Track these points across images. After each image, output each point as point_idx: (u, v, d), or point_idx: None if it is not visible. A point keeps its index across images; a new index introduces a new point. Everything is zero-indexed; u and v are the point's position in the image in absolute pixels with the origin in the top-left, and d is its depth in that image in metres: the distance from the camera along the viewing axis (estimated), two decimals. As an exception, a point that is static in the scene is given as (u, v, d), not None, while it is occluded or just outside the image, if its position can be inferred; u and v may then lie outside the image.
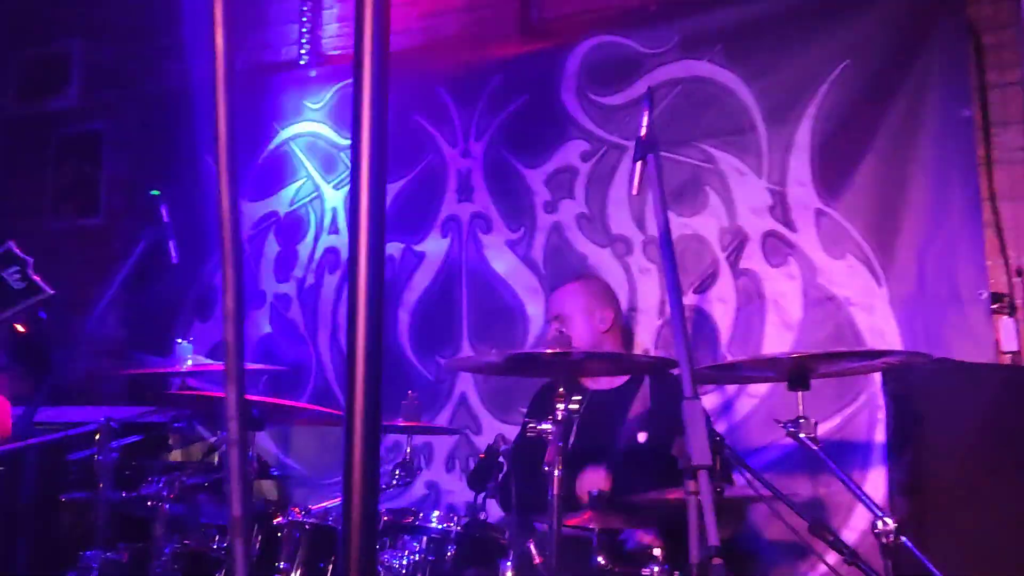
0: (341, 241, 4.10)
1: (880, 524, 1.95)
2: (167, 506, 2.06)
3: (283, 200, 4.26)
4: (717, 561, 1.46)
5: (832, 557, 3.02)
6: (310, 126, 4.25)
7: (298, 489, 3.83)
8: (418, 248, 3.92)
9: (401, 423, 2.39)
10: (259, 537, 2.13)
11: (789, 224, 3.35)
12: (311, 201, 4.21)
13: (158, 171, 4.41)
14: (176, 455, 3.90)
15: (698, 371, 1.83)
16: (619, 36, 3.69)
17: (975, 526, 2.58)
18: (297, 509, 2.03)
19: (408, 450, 2.33)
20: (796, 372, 2.12)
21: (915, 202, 3.17)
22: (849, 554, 1.92)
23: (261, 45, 4.44)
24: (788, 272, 3.33)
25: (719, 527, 1.55)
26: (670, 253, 1.87)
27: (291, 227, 4.22)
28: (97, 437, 2.41)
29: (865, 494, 2.15)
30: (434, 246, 3.90)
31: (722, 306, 3.39)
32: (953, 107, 3.15)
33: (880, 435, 3.08)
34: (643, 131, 2.05)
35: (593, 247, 3.63)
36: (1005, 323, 3.03)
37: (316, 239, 4.16)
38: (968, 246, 3.07)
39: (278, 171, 4.28)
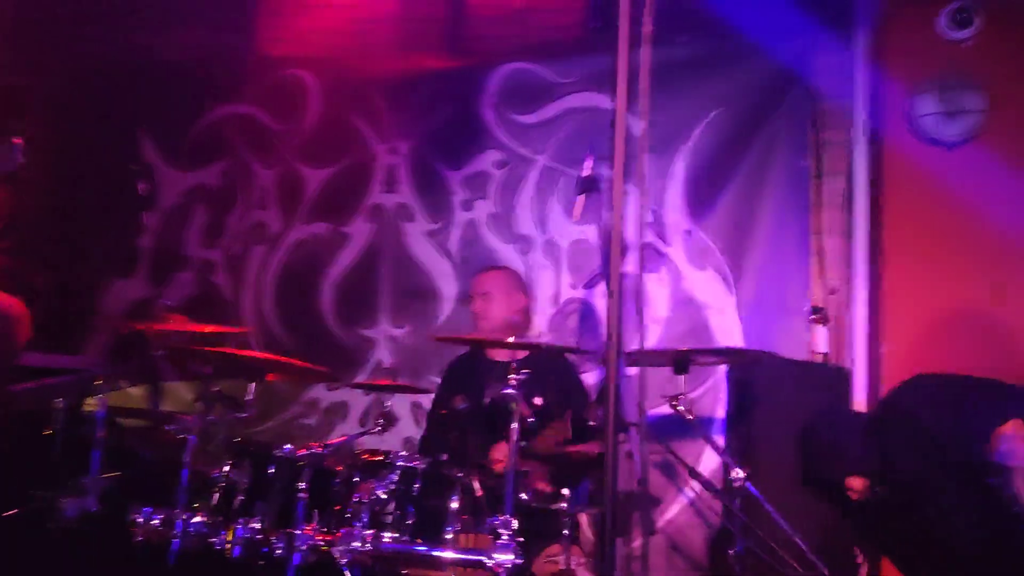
0: (268, 216, 4.51)
1: (735, 472, 2.72)
2: (192, 437, 2.53)
3: (214, 173, 4.60)
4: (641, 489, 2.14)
5: (678, 506, 3.86)
6: (245, 108, 4.60)
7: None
8: (344, 229, 4.41)
9: (381, 383, 2.94)
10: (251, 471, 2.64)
11: (663, 238, 4.11)
12: (241, 177, 4.57)
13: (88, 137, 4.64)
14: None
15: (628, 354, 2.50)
16: (535, 64, 4.31)
17: (785, 481, 3.41)
18: (316, 444, 2.56)
19: (388, 404, 2.87)
20: (682, 360, 2.85)
21: (761, 230, 4.00)
22: (714, 490, 2.66)
23: (211, 22, 4.65)
24: (659, 278, 4.09)
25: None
26: (611, 258, 2.52)
27: (221, 199, 4.57)
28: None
29: (725, 452, 2.92)
30: (360, 229, 4.40)
31: (605, 301, 4.11)
32: (795, 158, 4.00)
33: (720, 411, 3.89)
34: (587, 172, 2.70)
35: (500, 243, 4.26)
36: (820, 330, 3.92)
37: (245, 212, 4.54)
38: (797, 268, 3.94)
39: (211, 145, 4.61)
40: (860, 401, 3.71)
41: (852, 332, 3.85)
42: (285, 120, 4.57)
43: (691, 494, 3.86)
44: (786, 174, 4.00)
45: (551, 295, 4.18)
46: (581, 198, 2.66)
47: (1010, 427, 2.68)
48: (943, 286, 3.59)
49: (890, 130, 3.70)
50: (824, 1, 3.94)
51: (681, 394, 2.88)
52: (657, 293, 4.09)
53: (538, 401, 3.63)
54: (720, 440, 3.83)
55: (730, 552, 2.71)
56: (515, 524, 2.48)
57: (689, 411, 2.87)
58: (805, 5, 3.93)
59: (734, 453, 3.66)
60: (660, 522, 3.88)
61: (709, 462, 3.82)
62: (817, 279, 3.99)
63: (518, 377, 2.65)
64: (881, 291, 3.69)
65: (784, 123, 4.02)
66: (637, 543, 3.82)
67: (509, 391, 2.56)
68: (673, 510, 3.86)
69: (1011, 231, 3.51)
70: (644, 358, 3.35)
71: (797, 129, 4.02)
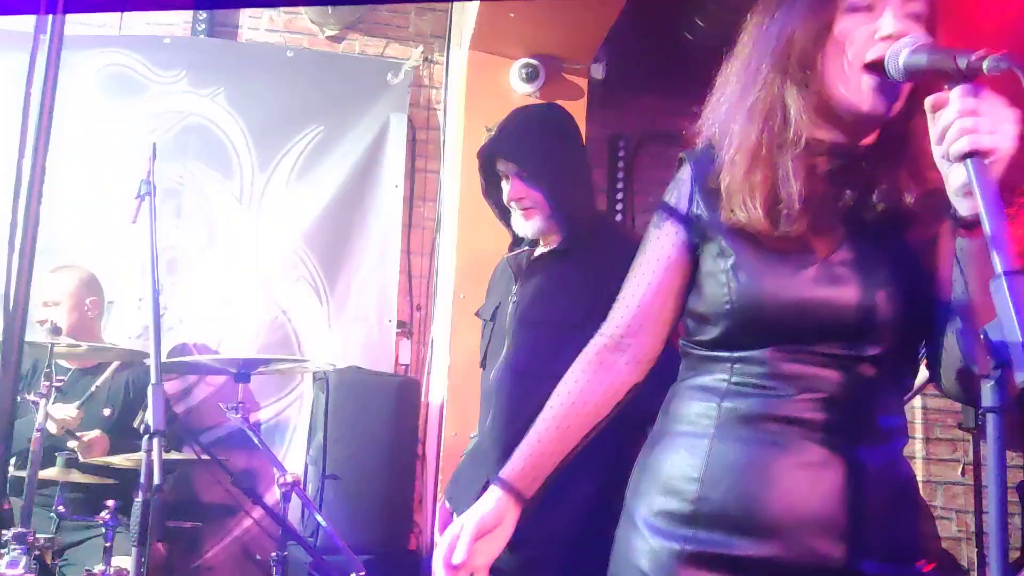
0: None
1: (283, 477, 2.81)
2: None
3: None
4: (162, 494, 2.14)
5: (256, 513, 3.88)
6: None
7: None
8: None
9: None
10: None
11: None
12: None
13: None
14: None
15: (168, 363, 2.48)
16: (133, 56, 4.13)
17: (358, 483, 3.56)
18: None
19: None
20: (242, 369, 2.89)
21: (355, 247, 4.18)
22: (264, 506, 2.73)
23: None
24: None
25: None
26: (154, 267, 2.50)
27: None
28: None
29: (277, 461, 3.00)
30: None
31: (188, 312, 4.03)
32: (391, 182, 4.26)
33: (306, 421, 4.00)
34: (150, 176, 2.65)
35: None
36: (404, 344, 4.19)
37: None
38: (386, 285, 4.18)
39: None
40: (430, 404, 4.04)
41: (431, 346, 4.16)
42: None
43: (271, 501, 3.90)
44: (384, 196, 4.23)
45: (134, 300, 4.00)
46: (138, 202, 2.59)
47: None
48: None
49: (472, 163, 4.04)
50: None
51: (240, 403, 2.91)
52: (249, 303, 4.10)
53: (107, 412, 3.47)
54: (303, 446, 3.94)
55: (272, 555, 2.79)
56: (33, 537, 2.35)
57: (246, 418, 2.90)
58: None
59: (315, 459, 3.78)
60: (237, 531, 3.89)
61: (294, 467, 3.89)
62: (405, 296, 4.27)
63: (54, 385, 2.52)
64: (454, 308, 4.03)
65: (384, 147, 4.26)
66: (210, 554, 3.82)
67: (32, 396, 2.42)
68: (248, 519, 3.87)
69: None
70: (203, 367, 3.36)
71: (395, 154, 4.28)
